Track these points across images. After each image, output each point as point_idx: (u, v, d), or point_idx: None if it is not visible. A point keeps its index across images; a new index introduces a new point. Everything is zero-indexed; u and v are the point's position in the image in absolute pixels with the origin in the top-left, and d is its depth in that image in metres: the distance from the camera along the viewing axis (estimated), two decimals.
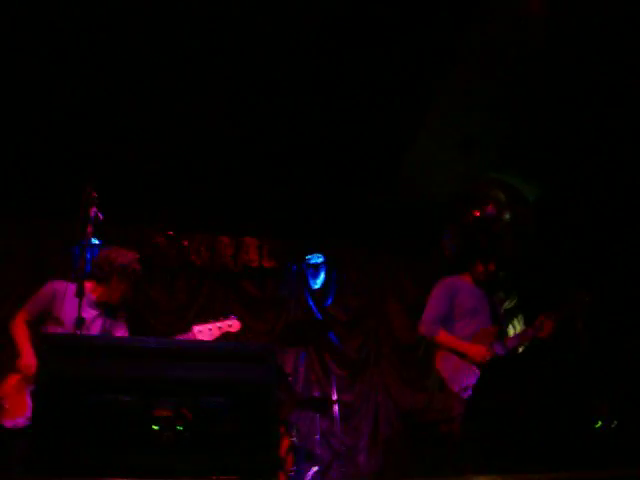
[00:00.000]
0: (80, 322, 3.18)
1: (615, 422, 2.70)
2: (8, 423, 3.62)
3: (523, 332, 4.44)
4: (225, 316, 4.08)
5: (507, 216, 5.73)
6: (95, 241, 4.45)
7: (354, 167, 6.73)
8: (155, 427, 2.04)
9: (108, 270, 4.03)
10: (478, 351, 4.22)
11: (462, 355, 4.29)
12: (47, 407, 1.96)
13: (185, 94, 5.49)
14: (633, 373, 3.26)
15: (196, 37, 4.81)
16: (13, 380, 3.78)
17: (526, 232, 5.84)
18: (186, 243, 7.12)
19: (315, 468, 5.53)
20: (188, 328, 3.92)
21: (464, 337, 4.43)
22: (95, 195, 3.67)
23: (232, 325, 4.04)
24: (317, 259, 7.66)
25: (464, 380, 4.16)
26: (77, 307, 3.25)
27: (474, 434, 3.15)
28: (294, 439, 5.14)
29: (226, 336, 3.99)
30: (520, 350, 4.35)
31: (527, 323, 4.69)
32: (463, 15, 4.86)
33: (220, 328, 3.98)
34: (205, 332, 3.91)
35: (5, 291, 6.32)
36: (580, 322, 4.22)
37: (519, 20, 4.82)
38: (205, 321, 3.97)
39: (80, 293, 3.29)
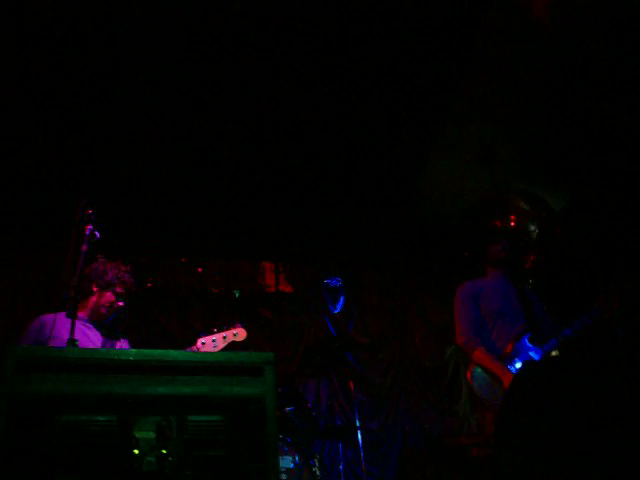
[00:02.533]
0: (72, 343, 2.95)
1: None
2: None
3: (567, 325, 3.90)
4: (230, 325, 3.86)
5: (532, 227, 5.46)
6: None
7: (370, 188, 6.55)
8: (135, 451, 1.79)
9: (88, 282, 3.75)
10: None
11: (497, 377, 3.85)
12: (10, 431, 1.72)
13: (197, 113, 5.35)
14: None
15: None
16: None
17: (553, 242, 5.57)
18: (200, 270, 6.93)
19: None
20: (193, 341, 3.73)
21: (496, 343, 4.06)
22: (90, 212, 3.45)
23: (238, 334, 3.84)
24: (335, 282, 7.42)
25: (500, 400, 3.78)
26: (69, 330, 3.03)
27: (506, 455, 2.84)
28: (315, 469, 4.83)
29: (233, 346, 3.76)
30: (555, 353, 3.94)
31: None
32: (474, 24, 4.72)
33: (225, 338, 3.77)
34: (209, 344, 3.70)
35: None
36: (614, 321, 3.84)
37: (529, 26, 4.68)
38: (209, 332, 3.76)
39: (72, 314, 3.07)
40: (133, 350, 1.74)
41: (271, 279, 7.13)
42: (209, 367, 1.92)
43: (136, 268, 6.60)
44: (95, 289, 3.82)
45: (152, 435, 1.81)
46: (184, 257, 6.90)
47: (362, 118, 5.58)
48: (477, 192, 6.18)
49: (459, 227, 5.20)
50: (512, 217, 4.94)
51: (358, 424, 5.60)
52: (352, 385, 6.14)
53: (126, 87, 4.94)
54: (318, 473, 4.90)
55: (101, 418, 1.79)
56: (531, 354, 3.92)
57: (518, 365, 3.88)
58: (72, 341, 2.97)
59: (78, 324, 3.22)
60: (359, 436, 5.50)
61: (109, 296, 3.83)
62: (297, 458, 4.65)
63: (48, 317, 3.72)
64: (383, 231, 7.24)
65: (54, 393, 1.79)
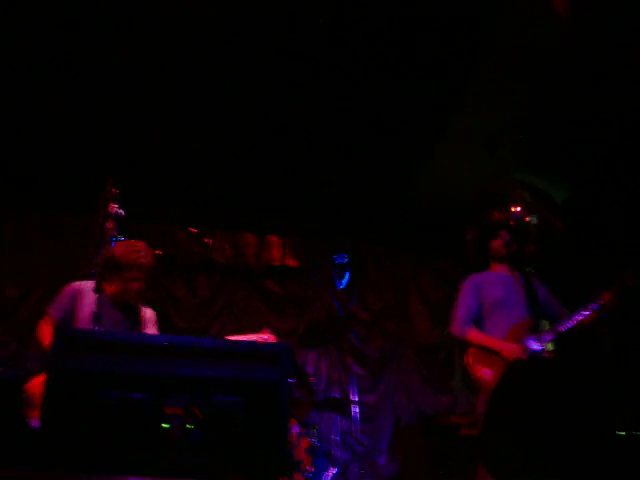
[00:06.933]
0: (97, 318, 3.15)
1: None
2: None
3: (568, 317, 4.02)
4: (259, 329, 3.99)
5: (533, 218, 5.59)
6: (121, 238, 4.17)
7: (378, 167, 6.71)
8: (165, 425, 2.02)
9: (113, 265, 3.77)
10: (511, 350, 3.89)
11: (495, 353, 3.95)
12: (58, 402, 1.95)
13: (204, 89, 5.50)
14: None
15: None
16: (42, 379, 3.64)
17: (553, 234, 5.71)
18: (209, 240, 7.11)
19: (334, 470, 5.47)
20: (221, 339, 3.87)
21: (497, 333, 4.13)
22: (116, 191, 3.62)
23: (267, 340, 3.94)
24: (343, 259, 7.61)
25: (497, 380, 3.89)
26: (94, 303, 3.22)
27: (493, 437, 3.08)
28: (313, 440, 5.08)
29: None
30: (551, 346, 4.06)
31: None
32: (487, 14, 4.82)
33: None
34: None
35: (28, 287, 6.42)
36: (604, 323, 4.01)
37: (542, 19, 4.78)
38: (239, 333, 3.89)
39: (98, 289, 3.27)
40: (166, 336, 1.96)
41: (278, 252, 7.34)
42: (233, 354, 2.15)
43: (146, 235, 6.86)
44: (119, 273, 3.84)
45: (180, 412, 2.04)
46: (193, 228, 7.08)
47: (376, 104, 5.73)
48: (480, 179, 6.35)
49: (460, 213, 5.34)
50: (512, 209, 5.07)
51: (355, 398, 5.85)
52: (350, 359, 6.40)
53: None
54: (316, 442, 5.16)
55: (136, 395, 2.02)
56: (530, 343, 4.08)
57: None
58: (97, 315, 3.17)
59: (103, 299, 3.39)
60: (355, 409, 5.75)
61: (120, 284, 3.88)
62: (296, 428, 4.88)
63: (79, 286, 3.89)
64: (387, 211, 7.43)
65: (96, 371, 2.02)
